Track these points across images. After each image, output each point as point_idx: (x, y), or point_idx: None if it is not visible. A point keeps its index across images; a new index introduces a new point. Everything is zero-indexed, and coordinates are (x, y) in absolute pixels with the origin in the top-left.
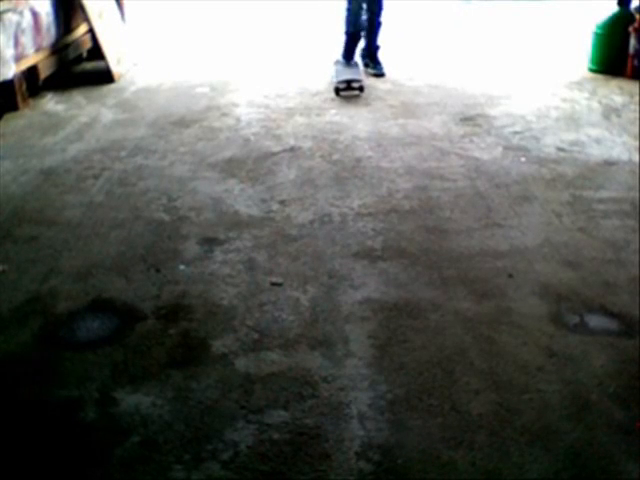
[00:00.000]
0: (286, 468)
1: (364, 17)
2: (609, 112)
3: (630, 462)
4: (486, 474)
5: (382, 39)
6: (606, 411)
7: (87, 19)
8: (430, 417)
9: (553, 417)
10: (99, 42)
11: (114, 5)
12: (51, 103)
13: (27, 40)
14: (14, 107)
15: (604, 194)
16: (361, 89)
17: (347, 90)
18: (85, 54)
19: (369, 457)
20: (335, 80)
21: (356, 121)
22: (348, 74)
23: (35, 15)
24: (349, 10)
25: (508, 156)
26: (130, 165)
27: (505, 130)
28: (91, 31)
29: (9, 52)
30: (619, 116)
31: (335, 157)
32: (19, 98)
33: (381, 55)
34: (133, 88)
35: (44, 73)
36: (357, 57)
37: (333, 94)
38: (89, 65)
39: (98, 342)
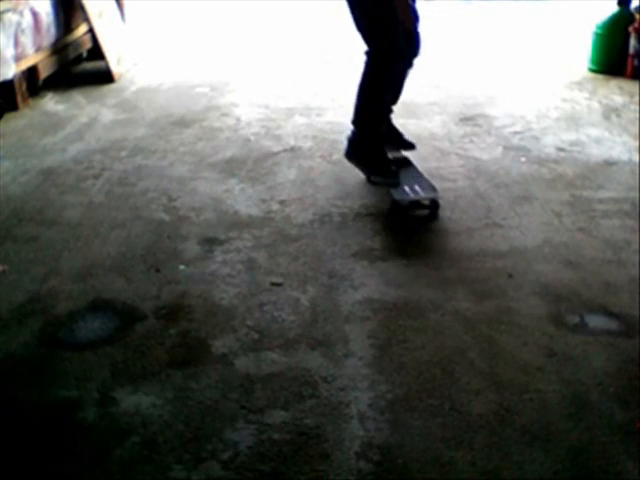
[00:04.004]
0: (286, 468)
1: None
2: (609, 112)
3: (630, 462)
4: (486, 474)
5: None
6: (606, 411)
7: (87, 19)
8: (430, 417)
9: (553, 417)
10: (99, 42)
11: (114, 5)
12: (51, 103)
13: (27, 40)
14: (14, 107)
15: (604, 194)
16: (435, 207)
17: (415, 209)
18: (85, 54)
19: (369, 457)
20: (397, 196)
21: None
22: (415, 188)
23: (35, 15)
24: (378, 87)
25: (508, 156)
26: (130, 165)
27: (505, 130)
28: (91, 31)
29: (9, 52)
30: (619, 116)
31: (335, 157)
32: (19, 98)
33: None
34: (133, 88)
35: (44, 73)
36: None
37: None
38: (89, 65)
39: (98, 342)
